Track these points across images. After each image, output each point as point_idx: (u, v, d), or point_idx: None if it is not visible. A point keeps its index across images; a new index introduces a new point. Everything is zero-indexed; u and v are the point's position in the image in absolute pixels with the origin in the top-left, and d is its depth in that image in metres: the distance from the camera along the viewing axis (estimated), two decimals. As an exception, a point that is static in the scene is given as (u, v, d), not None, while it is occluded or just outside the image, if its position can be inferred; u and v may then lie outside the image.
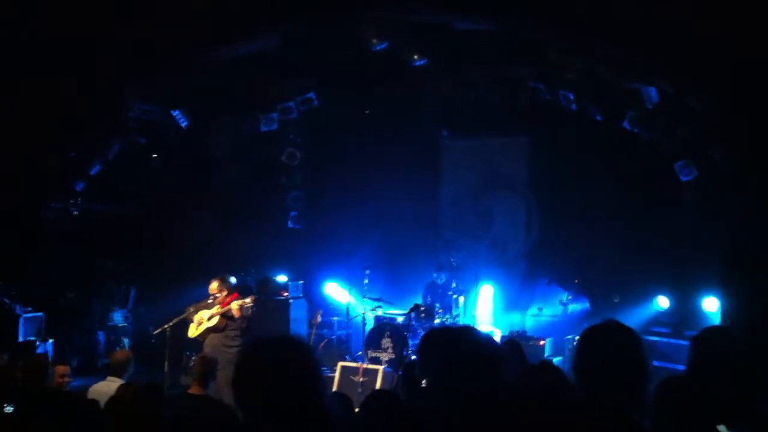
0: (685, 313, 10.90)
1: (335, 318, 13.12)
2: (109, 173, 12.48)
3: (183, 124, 12.36)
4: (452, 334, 3.27)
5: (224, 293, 9.63)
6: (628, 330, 3.01)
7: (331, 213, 13.80)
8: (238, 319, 9.48)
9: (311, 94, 12.65)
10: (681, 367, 8.90)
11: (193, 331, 9.67)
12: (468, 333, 3.47)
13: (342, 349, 12.27)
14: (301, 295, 13.11)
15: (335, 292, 13.54)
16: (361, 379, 10.48)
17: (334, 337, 12.72)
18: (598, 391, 2.88)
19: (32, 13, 8.54)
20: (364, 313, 11.96)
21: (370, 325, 11.85)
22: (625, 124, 10.74)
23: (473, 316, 11.95)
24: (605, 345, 2.96)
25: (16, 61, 9.06)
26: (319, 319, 12.51)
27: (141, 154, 12.93)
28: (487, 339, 3.55)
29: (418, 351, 3.12)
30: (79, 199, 12.56)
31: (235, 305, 9.41)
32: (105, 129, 11.98)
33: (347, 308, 12.42)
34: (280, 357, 2.45)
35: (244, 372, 2.48)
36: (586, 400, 2.92)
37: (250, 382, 2.44)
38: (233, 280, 10.11)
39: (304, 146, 14.24)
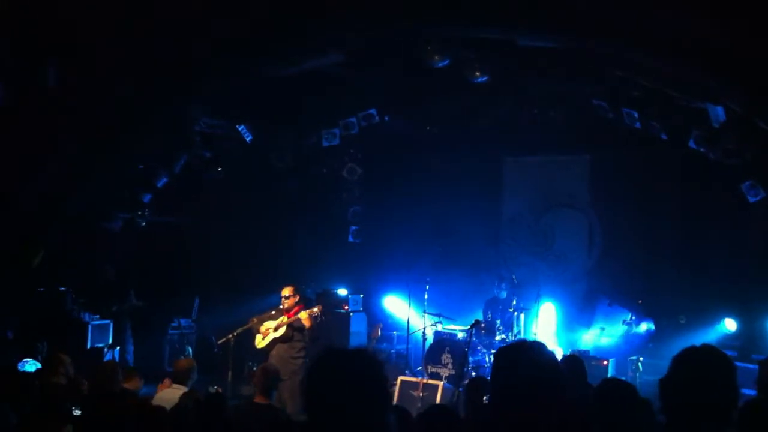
0: (752, 335, 10.66)
1: (395, 332, 13.16)
2: (175, 185, 12.75)
3: (248, 138, 12.57)
4: (529, 349, 3.25)
5: (296, 299, 9.78)
6: (724, 356, 3.00)
7: (391, 227, 13.87)
8: (305, 330, 9.58)
9: (372, 110, 12.75)
10: (748, 391, 8.74)
11: (259, 342, 9.80)
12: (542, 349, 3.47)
13: (401, 363, 12.29)
14: (361, 309, 13.18)
15: (395, 306, 13.58)
16: (420, 394, 10.47)
17: (393, 351, 12.75)
18: (683, 412, 2.88)
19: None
20: (423, 328, 11.95)
21: (429, 340, 11.85)
22: (691, 143, 10.57)
23: (534, 334, 11.85)
24: (702, 369, 2.95)
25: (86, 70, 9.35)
26: (379, 332, 12.57)
27: (206, 167, 13.18)
28: (553, 357, 3.55)
29: (495, 362, 3.10)
30: (146, 210, 12.84)
31: (304, 314, 9.52)
32: (172, 142, 12.26)
33: (407, 322, 12.42)
34: (354, 369, 2.48)
35: (316, 381, 2.51)
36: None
37: (321, 391, 2.47)
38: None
39: (365, 161, 14.36)
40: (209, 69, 10.04)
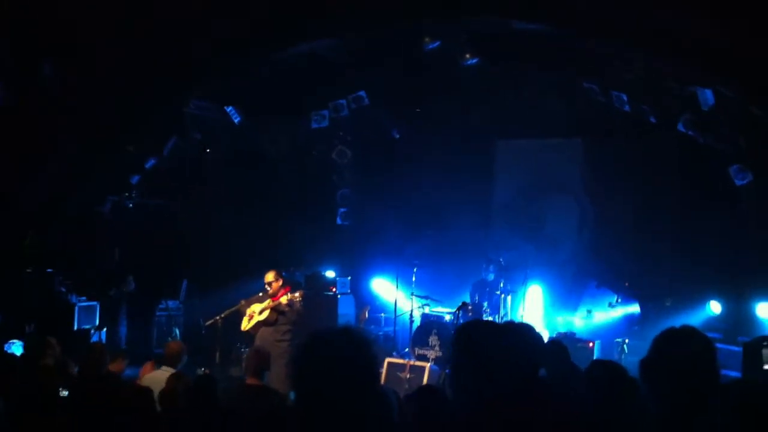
0: (738, 318, 10.74)
1: (382, 314, 13.19)
2: (163, 167, 12.71)
3: (236, 120, 12.53)
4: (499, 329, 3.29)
5: (279, 283, 9.81)
6: (704, 338, 3.03)
7: (380, 210, 13.86)
8: (288, 313, 9.62)
9: (362, 92, 12.71)
10: (733, 373, 8.83)
11: (245, 325, 9.85)
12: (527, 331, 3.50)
13: (389, 345, 12.32)
14: (348, 291, 13.19)
15: (383, 288, 13.60)
16: (408, 376, 10.51)
17: (381, 333, 12.78)
18: (665, 392, 2.91)
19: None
20: (411, 310, 11.99)
21: (417, 322, 11.89)
22: (680, 127, 10.60)
23: (521, 316, 11.91)
24: (682, 350, 2.98)
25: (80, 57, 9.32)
26: (367, 315, 12.59)
27: (194, 149, 13.13)
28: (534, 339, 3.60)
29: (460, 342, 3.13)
30: (134, 192, 12.80)
31: (284, 299, 9.57)
32: (162, 124, 12.21)
33: (395, 305, 12.45)
34: (342, 349, 2.47)
35: (304, 363, 2.50)
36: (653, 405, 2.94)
37: (309, 373, 2.47)
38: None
39: (354, 144, 14.33)
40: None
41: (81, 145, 10.34)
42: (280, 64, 10.97)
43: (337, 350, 2.47)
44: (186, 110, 12.18)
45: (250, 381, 6.84)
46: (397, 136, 13.87)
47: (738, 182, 10.50)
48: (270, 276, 9.90)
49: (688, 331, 3.08)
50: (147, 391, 5.94)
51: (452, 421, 4.53)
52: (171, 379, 6.60)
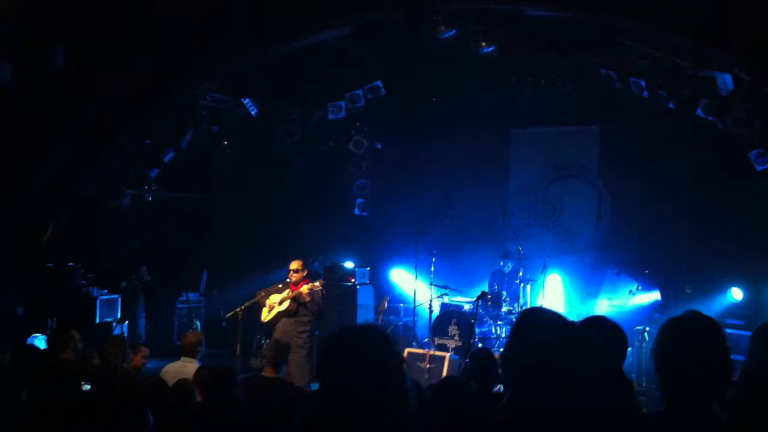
0: (760, 304, 10.65)
1: (401, 304, 13.17)
2: (182, 160, 12.76)
3: (253, 112, 12.53)
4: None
5: (304, 273, 9.79)
6: (709, 321, 2.94)
7: (398, 200, 13.86)
8: (309, 304, 9.58)
9: (378, 83, 12.67)
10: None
11: (265, 316, 9.83)
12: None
13: (408, 335, 12.32)
14: (367, 282, 13.18)
15: (401, 278, 13.59)
16: (427, 366, 10.51)
17: (400, 323, 12.77)
18: (678, 383, 2.84)
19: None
20: (430, 300, 11.97)
21: (436, 312, 11.87)
22: (699, 112, 10.49)
23: (540, 306, 11.85)
24: (687, 337, 2.90)
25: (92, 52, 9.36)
26: (386, 305, 12.58)
27: (212, 141, 13.17)
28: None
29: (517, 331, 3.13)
30: (153, 185, 12.87)
31: (305, 289, 9.52)
32: (179, 117, 12.25)
33: (414, 295, 12.44)
34: (367, 347, 2.50)
35: (332, 355, 2.53)
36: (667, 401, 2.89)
37: (336, 365, 2.50)
38: None
39: (371, 134, 14.31)
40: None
41: (98, 139, 10.38)
42: (292, 54, 10.97)
43: (366, 344, 2.49)
44: (202, 103, 12.21)
45: (267, 373, 6.84)
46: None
47: (759, 167, 10.39)
48: (296, 264, 9.85)
49: (691, 317, 2.99)
50: (164, 383, 5.95)
51: (475, 413, 4.54)
52: (198, 371, 6.57)
